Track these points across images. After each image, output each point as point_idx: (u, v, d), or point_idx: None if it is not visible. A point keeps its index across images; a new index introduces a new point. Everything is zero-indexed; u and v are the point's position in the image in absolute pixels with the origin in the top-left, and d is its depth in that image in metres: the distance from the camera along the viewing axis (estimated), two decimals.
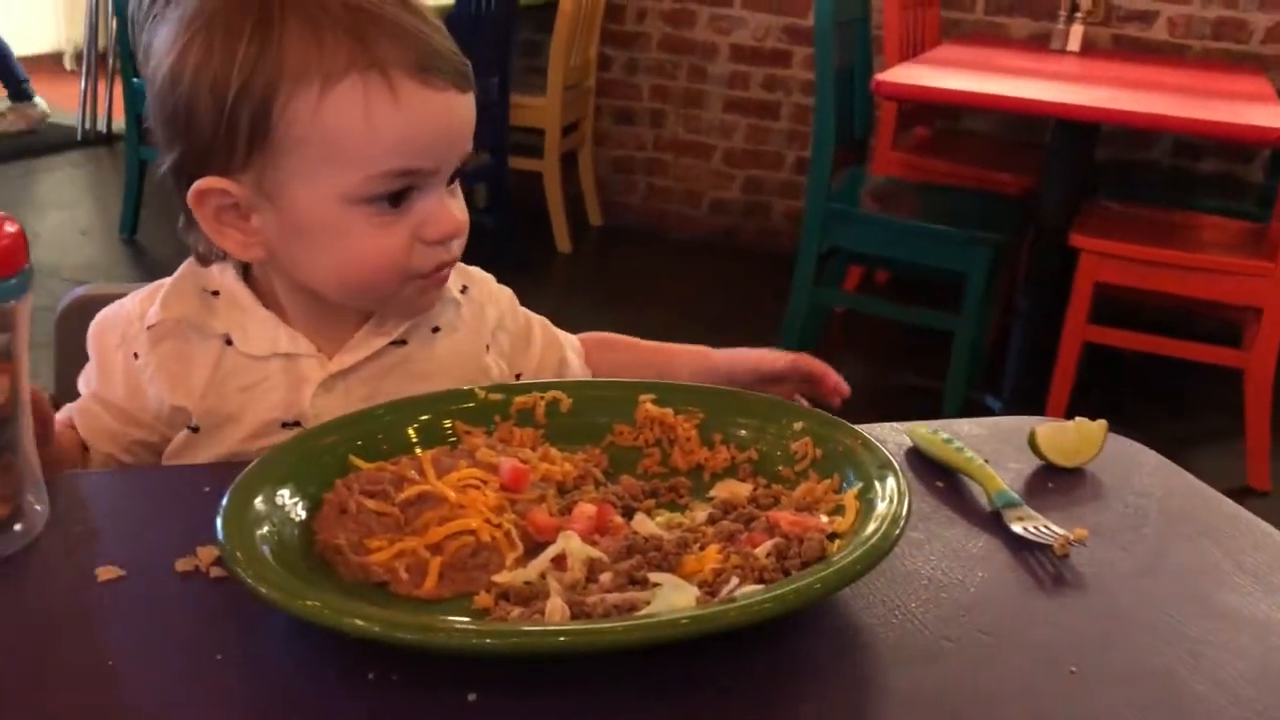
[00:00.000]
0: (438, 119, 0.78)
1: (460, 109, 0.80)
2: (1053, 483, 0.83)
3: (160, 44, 0.78)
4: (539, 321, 0.99)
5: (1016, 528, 0.75)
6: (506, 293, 0.97)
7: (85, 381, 0.88)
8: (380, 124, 0.75)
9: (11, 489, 0.66)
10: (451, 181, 0.82)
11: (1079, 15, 3.34)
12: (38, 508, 0.68)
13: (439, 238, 0.80)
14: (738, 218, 4.22)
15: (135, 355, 0.84)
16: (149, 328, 0.83)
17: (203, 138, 0.77)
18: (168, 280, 0.86)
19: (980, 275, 2.62)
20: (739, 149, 4.16)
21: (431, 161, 0.78)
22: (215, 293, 0.85)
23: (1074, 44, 3.32)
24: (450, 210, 0.81)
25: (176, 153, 0.79)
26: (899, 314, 3.10)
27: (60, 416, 0.87)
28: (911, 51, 3.25)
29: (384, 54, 0.75)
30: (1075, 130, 2.63)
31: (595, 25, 3.94)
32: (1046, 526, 0.75)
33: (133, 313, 0.85)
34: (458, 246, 0.83)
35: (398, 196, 0.78)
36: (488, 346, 0.93)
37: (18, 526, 0.67)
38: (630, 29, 4.14)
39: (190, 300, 0.84)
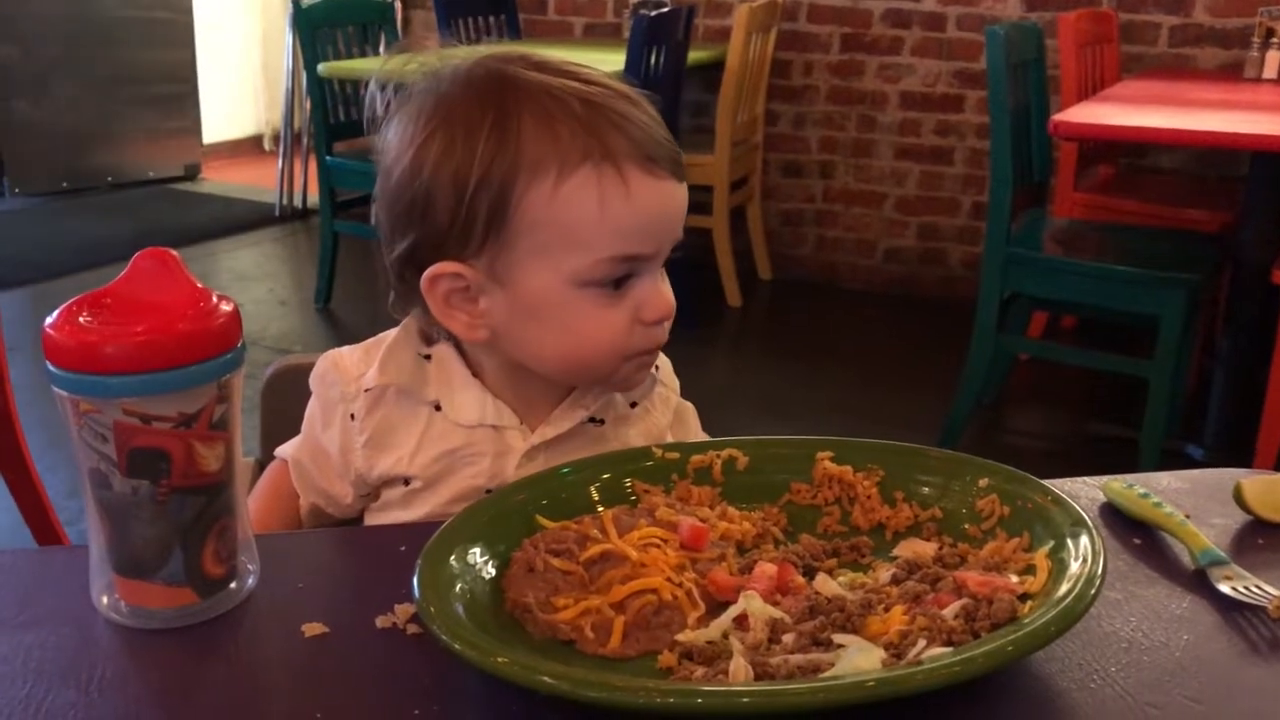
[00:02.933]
0: (661, 207, 0.81)
1: (678, 196, 0.83)
2: (1263, 539, 0.78)
3: (396, 139, 0.83)
4: (690, 409, 1.02)
5: (1224, 587, 0.71)
6: (675, 379, 1.01)
7: (306, 425, 0.93)
8: (612, 211, 0.79)
9: (228, 550, 0.71)
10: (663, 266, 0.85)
11: (1275, 41, 3.18)
12: (250, 567, 0.73)
13: (655, 318, 0.83)
14: (913, 266, 4.15)
15: (351, 416, 0.89)
16: (366, 390, 0.88)
17: (440, 225, 0.81)
18: (388, 336, 0.90)
19: (1175, 318, 2.49)
20: (912, 196, 4.10)
21: (653, 247, 0.82)
22: (428, 357, 0.89)
23: (1270, 71, 3.16)
24: (664, 293, 0.84)
25: (409, 240, 0.83)
26: (1089, 361, 2.97)
27: (281, 459, 0.94)
28: (1090, 89, 3.15)
29: (614, 145, 0.79)
30: (1274, 162, 2.49)
31: (762, 82, 3.98)
32: (1258, 586, 0.70)
33: (352, 371, 0.89)
34: (668, 327, 0.86)
35: (619, 280, 0.82)
36: (671, 426, 0.97)
37: (233, 585, 0.71)
38: (797, 83, 4.16)
39: (405, 365, 0.88)
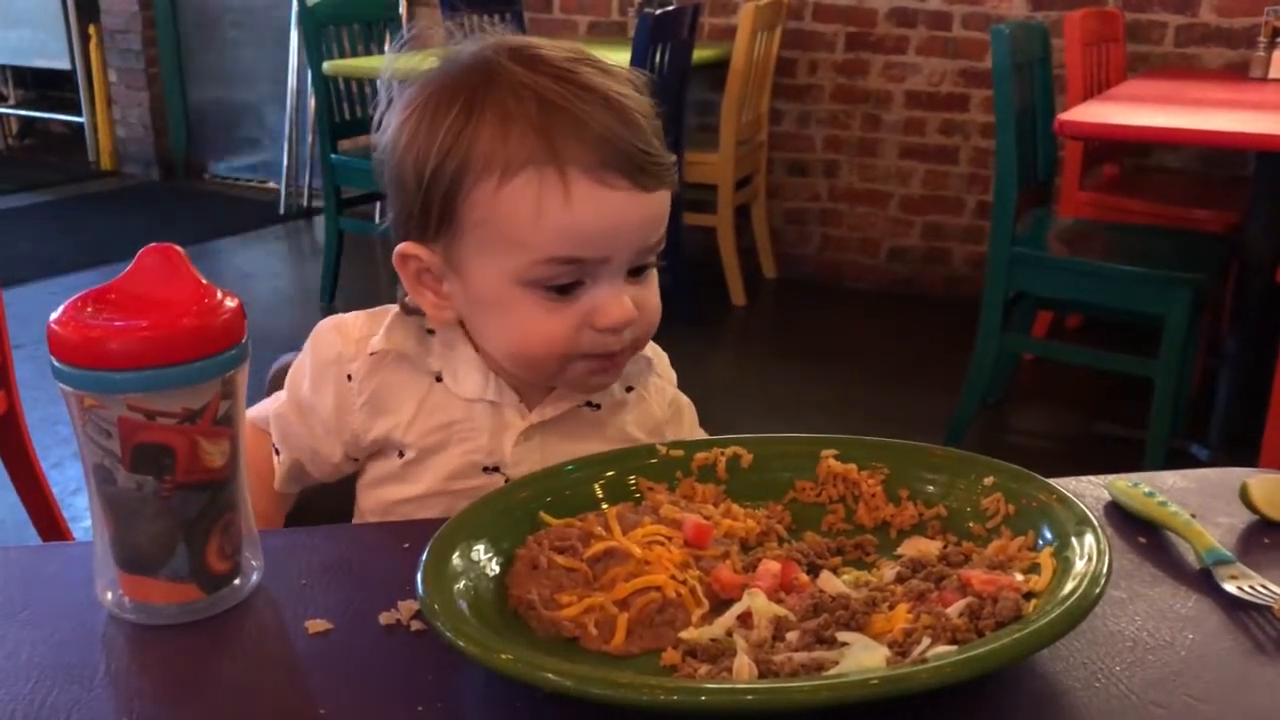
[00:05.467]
0: (610, 216, 0.80)
1: (640, 207, 0.81)
2: (1269, 539, 0.78)
3: (389, 118, 0.86)
4: (688, 405, 1.02)
5: (1230, 587, 0.70)
6: (672, 372, 1.01)
7: (291, 381, 0.93)
8: (549, 216, 0.79)
9: (232, 546, 0.71)
10: (643, 272, 0.84)
11: None
12: (254, 563, 0.73)
13: (608, 325, 0.82)
14: (918, 265, 4.14)
15: (349, 377, 0.89)
16: (371, 354, 0.88)
17: (406, 206, 0.84)
18: (393, 307, 0.91)
19: (1180, 317, 2.49)
20: (916, 195, 4.10)
21: (598, 252, 0.81)
22: (431, 331, 0.89)
23: (1276, 71, 3.15)
24: (622, 301, 0.82)
25: (392, 214, 0.87)
26: (1093, 360, 2.96)
27: (252, 414, 0.93)
28: (1096, 89, 3.14)
29: (565, 153, 0.78)
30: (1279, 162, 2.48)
31: (767, 81, 3.98)
32: (1264, 586, 0.70)
33: (355, 333, 0.90)
34: (630, 335, 0.84)
35: (569, 284, 0.81)
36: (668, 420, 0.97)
37: (237, 581, 0.71)
38: (802, 82, 4.15)
39: (410, 333, 0.89)
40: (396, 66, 0.88)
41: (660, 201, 0.83)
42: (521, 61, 0.81)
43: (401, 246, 0.85)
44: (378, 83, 0.89)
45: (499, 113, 0.79)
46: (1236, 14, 3.51)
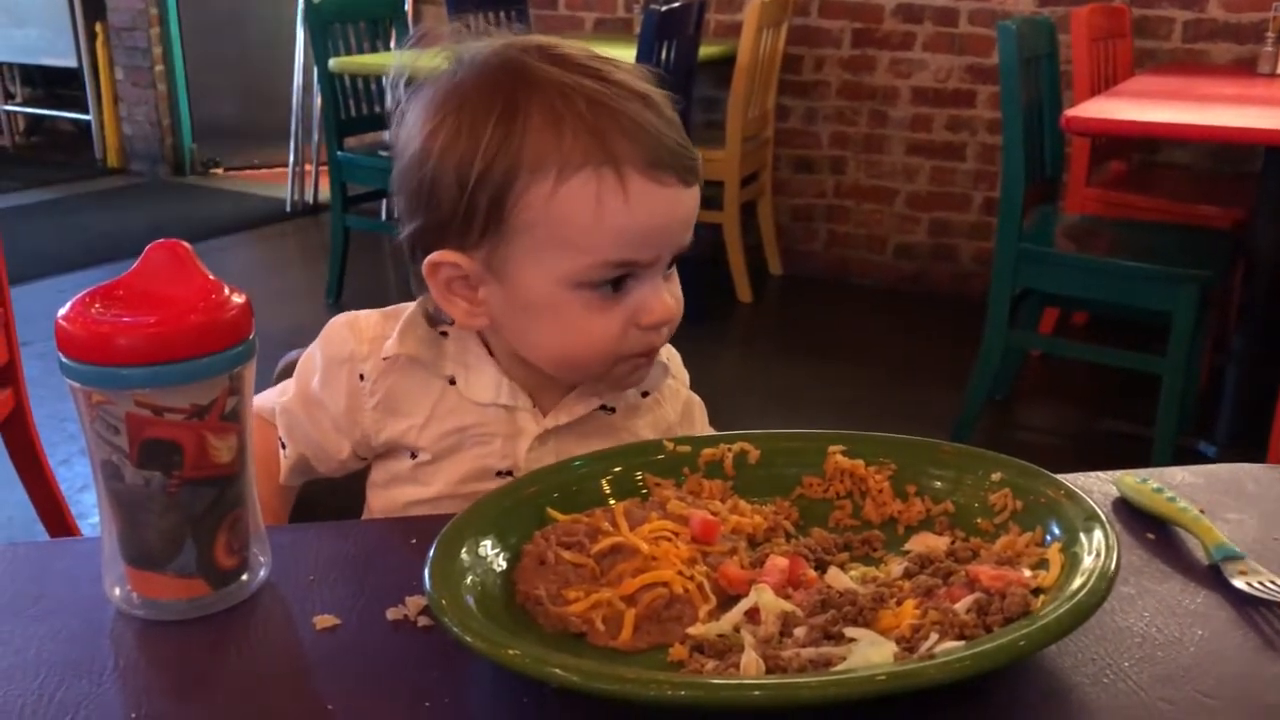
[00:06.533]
0: (662, 214, 0.80)
1: (684, 203, 0.82)
2: (1278, 534, 0.78)
3: (411, 121, 0.83)
4: (698, 403, 1.01)
5: (1239, 583, 0.70)
6: (685, 372, 1.01)
7: (300, 375, 0.92)
8: (609, 217, 0.78)
9: (240, 542, 0.71)
10: (670, 267, 0.85)
11: None
12: (261, 559, 0.73)
13: (653, 323, 0.83)
14: (924, 262, 4.14)
15: (361, 377, 0.88)
16: (385, 359, 0.88)
17: (442, 213, 0.81)
18: (408, 307, 0.90)
19: (1187, 314, 2.48)
20: (923, 192, 4.09)
21: (651, 253, 0.81)
22: (444, 334, 0.89)
23: None
24: (664, 298, 0.83)
25: (417, 224, 0.84)
26: (1100, 357, 2.96)
27: (255, 404, 0.92)
28: (1103, 85, 3.13)
29: (619, 150, 0.78)
30: None
31: (773, 77, 3.97)
32: (1274, 581, 0.70)
33: (369, 332, 0.89)
34: (668, 331, 0.85)
35: (616, 283, 0.81)
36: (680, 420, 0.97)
37: (244, 577, 0.71)
38: (808, 78, 4.15)
39: (424, 337, 0.88)
40: (404, 64, 0.87)
41: (697, 196, 0.84)
42: (552, 61, 0.81)
43: (435, 255, 0.82)
44: (385, 83, 0.87)
45: (548, 114, 0.78)
46: (1245, 9, 3.50)
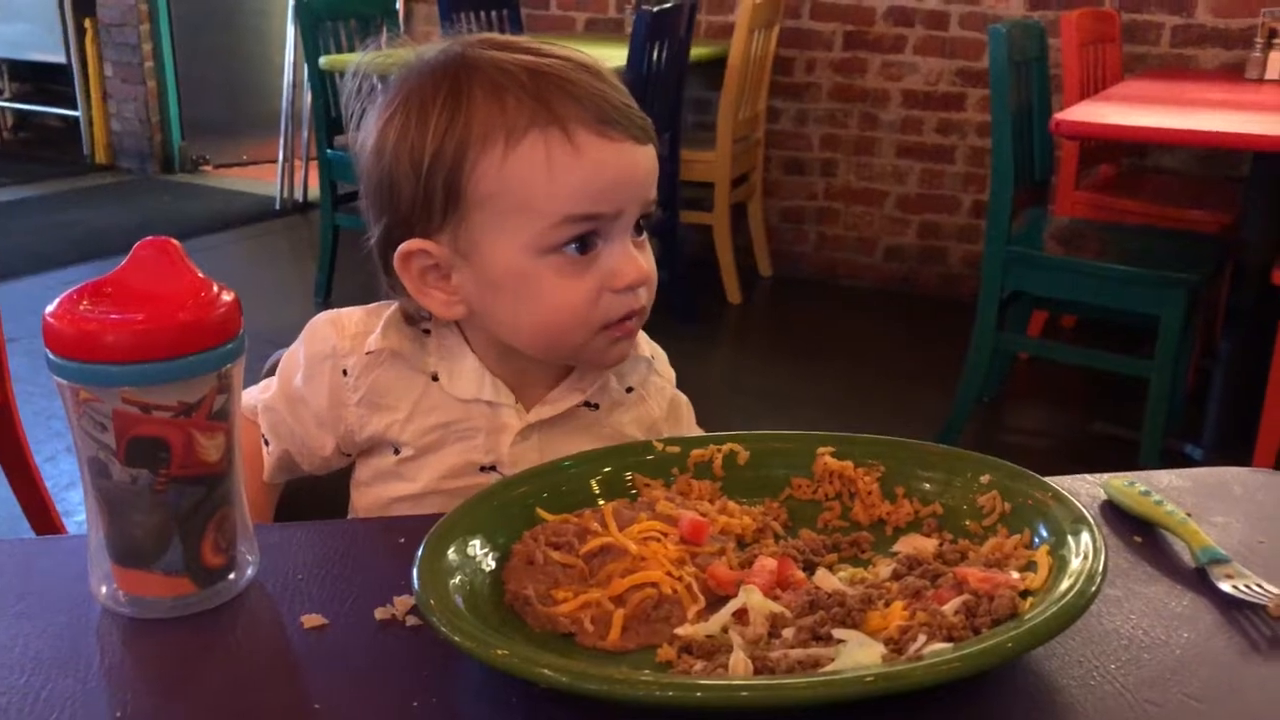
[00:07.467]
0: (617, 166, 0.81)
1: (639, 159, 0.83)
2: (1263, 538, 0.78)
3: (366, 124, 0.86)
4: (685, 402, 1.02)
5: (1225, 586, 0.71)
6: (671, 370, 1.01)
7: (282, 372, 0.92)
8: (561, 173, 0.79)
9: (227, 541, 0.70)
10: (639, 234, 0.85)
11: (1278, 42, 3.17)
12: (249, 558, 0.72)
13: (625, 284, 0.83)
14: (914, 264, 4.15)
15: (344, 372, 0.88)
16: (368, 353, 0.88)
17: (404, 205, 0.83)
18: (391, 304, 0.90)
19: (1175, 318, 2.49)
20: (913, 194, 4.10)
21: (612, 206, 0.82)
22: (427, 330, 0.89)
23: (1273, 72, 3.15)
24: (634, 258, 0.84)
25: (383, 223, 0.85)
26: (1088, 360, 2.97)
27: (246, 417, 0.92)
28: (1092, 89, 3.14)
29: (563, 111, 0.80)
30: (1275, 163, 2.49)
31: (764, 79, 3.97)
32: (1259, 585, 0.70)
33: (351, 328, 0.89)
34: (645, 295, 0.85)
35: (584, 244, 0.81)
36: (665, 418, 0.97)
37: (232, 575, 0.71)
38: (799, 80, 4.15)
39: (407, 333, 0.89)
40: (360, 69, 0.89)
41: (653, 155, 0.85)
42: (493, 46, 0.83)
43: (403, 246, 0.83)
44: (346, 86, 0.89)
45: (489, 87, 0.80)
46: (1233, 15, 3.52)
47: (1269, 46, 3.18)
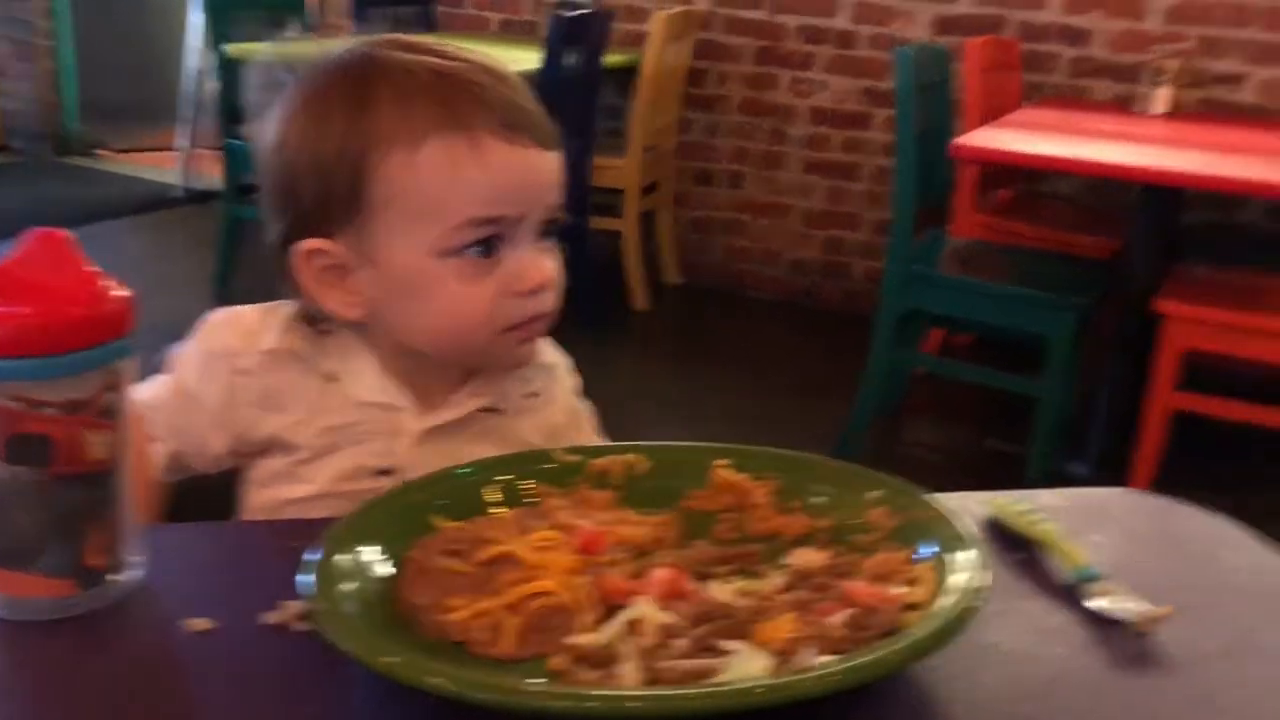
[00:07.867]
0: (521, 170, 0.82)
1: (543, 165, 0.84)
2: (1139, 555, 0.82)
3: (269, 119, 0.85)
4: (587, 411, 1.02)
5: (1092, 603, 0.73)
6: (573, 377, 1.01)
7: (176, 370, 0.90)
8: (464, 178, 0.80)
9: (113, 541, 0.69)
10: (546, 238, 0.86)
11: (1165, 78, 3.31)
12: (135, 559, 0.71)
13: (528, 288, 0.83)
14: (817, 277, 4.21)
15: (239, 371, 0.87)
16: (264, 352, 0.86)
17: (305, 203, 0.82)
18: (290, 304, 0.89)
19: (1064, 339, 2.58)
20: (818, 210, 4.17)
21: (515, 210, 0.82)
22: (327, 331, 0.88)
23: (1160, 106, 3.28)
24: (539, 262, 0.84)
25: (283, 221, 0.84)
26: (982, 378, 3.06)
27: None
28: (993, 114, 3.24)
29: (468, 116, 0.80)
30: (1161, 194, 2.59)
31: (678, 89, 4.00)
32: (1126, 603, 0.73)
33: (248, 327, 0.88)
34: (549, 299, 0.86)
35: (487, 247, 0.81)
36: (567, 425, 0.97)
37: (116, 577, 0.69)
38: (711, 92, 4.19)
39: (305, 333, 0.88)
40: (263, 63, 0.88)
41: (559, 162, 0.85)
42: (401, 47, 0.83)
43: (303, 244, 0.83)
44: (248, 80, 0.87)
45: (395, 90, 0.80)
46: (1125, 50, 3.65)
47: (1157, 82, 3.32)
